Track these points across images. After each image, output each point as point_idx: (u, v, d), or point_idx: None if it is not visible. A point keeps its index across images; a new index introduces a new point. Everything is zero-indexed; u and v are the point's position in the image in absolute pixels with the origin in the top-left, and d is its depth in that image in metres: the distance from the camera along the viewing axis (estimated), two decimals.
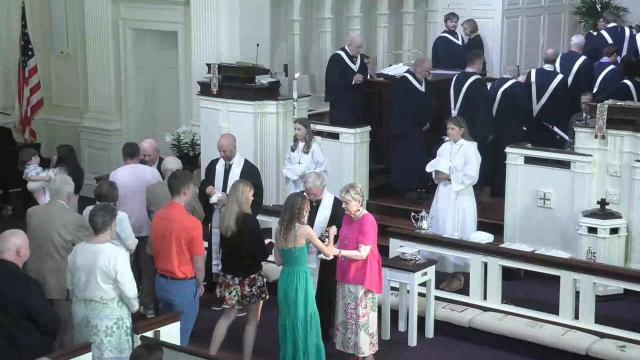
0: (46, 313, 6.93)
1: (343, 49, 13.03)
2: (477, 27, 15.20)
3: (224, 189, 9.71)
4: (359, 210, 8.38)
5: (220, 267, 8.83)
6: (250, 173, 9.78)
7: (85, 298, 7.27)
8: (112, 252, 7.24)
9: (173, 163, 9.67)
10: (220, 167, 9.93)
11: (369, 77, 13.60)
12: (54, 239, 8.10)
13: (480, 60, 12.38)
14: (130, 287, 7.25)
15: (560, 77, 12.51)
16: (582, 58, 13.14)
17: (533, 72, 12.69)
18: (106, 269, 7.16)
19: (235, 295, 8.41)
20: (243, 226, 8.18)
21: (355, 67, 12.90)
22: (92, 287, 7.20)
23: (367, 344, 8.48)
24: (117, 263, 7.18)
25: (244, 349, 8.63)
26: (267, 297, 8.59)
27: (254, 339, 8.63)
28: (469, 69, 12.14)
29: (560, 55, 13.33)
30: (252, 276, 8.40)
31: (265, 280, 8.59)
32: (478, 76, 12.12)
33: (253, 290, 8.41)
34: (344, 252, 8.35)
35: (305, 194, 8.69)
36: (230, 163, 9.84)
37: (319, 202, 8.88)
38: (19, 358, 6.78)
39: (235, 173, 9.76)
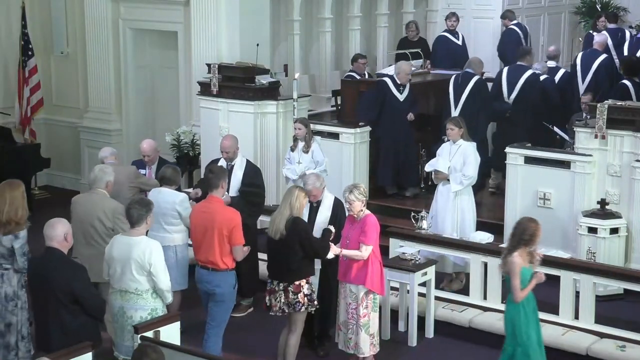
0: (91, 296, 7.17)
1: (390, 77, 12.19)
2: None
3: (227, 190, 9.72)
4: (362, 210, 8.38)
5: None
6: (252, 174, 9.80)
7: (120, 289, 7.53)
8: (147, 245, 7.47)
9: (106, 151, 10.05)
10: None
11: (366, 75, 13.61)
12: (95, 225, 8.48)
13: (531, 56, 12.58)
14: (164, 280, 7.49)
15: (562, 71, 12.78)
16: (603, 56, 13.14)
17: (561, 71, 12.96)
18: (141, 261, 7.40)
19: (278, 302, 8.25)
20: (292, 229, 8.11)
21: (401, 97, 12.04)
22: (127, 279, 7.47)
23: (367, 345, 8.47)
24: (152, 256, 7.42)
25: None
26: (317, 306, 8.36)
27: (296, 351, 8.45)
28: (520, 63, 12.35)
29: (581, 54, 13.38)
30: (297, 283, 8.19)
31: (313, 288, 8.33)
32: (533, 70, 12.34)
33: (298, 297, 8.18)
34: (345, 252, 8.35)
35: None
36: (232, 164, 9.83)
37: (319, 203, 8.86)
38: (68, 340, 6.99)
39: (238, 174, 9.75)
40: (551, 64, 12.88)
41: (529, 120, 11.98)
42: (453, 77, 12.23)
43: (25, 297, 7.88)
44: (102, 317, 7.44)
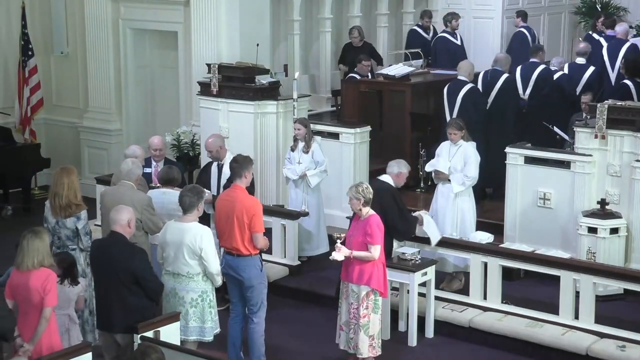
0: (151, 278, 7.53)
1: (463, 81, 11.82)
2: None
3: (218, 190, 9.73)
4: (361, 209, 8.36)
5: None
6: None
7: (173, 271, 7.98)
8: (198, 231, 7.89)
9: (133, 149, 10.03)
10: (214, 168, 9.99)
11: (369, 77, 13.58)
12: None
13: (543, 52, 12.86)
14: (214, 264, 7.92)
15: (592, 69, 12.73)
16: (628, 44, 13.17)
17: (565, 66, 12.97)
18: (192, 246, 7.84)
19: None
20: None
21: None
22: (180, 262, 7.91)
23: (365, 346, 8.45)
24: (203, 241, 7.84)
25: None
26: None
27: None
28: (533, 60, 12.59)
29: (606, 45, 13.42)
30: None
31: None
32: (545, 65, 12.57)
33: None
34: (356, 253, 8.33)
35: None
36: (222, 163, 9.85)
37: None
38: (129, 318, 7.37)
39: (227, 172, 9.73)
40: (580, 60, 12.82)
41: (545, 115, 12.04)
42: (482, 73, 12.36)
43: (91, 274, 8.18)
44: (159, 299, 7.77)
